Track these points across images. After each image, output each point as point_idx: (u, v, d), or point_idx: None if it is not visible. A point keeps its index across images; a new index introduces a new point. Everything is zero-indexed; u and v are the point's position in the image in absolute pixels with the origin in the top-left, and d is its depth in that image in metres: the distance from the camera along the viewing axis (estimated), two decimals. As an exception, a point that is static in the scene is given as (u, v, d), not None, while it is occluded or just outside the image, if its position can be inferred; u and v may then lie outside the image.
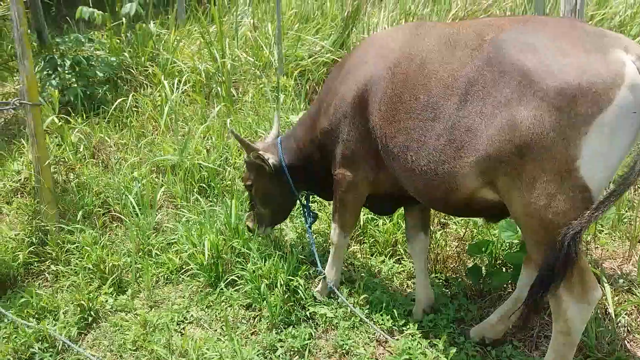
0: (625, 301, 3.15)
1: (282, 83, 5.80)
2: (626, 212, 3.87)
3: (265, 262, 3.43)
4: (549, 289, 2.23)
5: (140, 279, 3.73)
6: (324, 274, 3.37)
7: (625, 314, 3.08)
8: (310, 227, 3.56)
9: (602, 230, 3.77)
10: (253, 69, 6.36)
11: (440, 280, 3.60)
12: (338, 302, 3.32)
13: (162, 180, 4.72)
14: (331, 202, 4.04)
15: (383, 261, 3.79)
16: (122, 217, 4.27)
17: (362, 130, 2.84)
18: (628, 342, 2.98)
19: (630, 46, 2.04)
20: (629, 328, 3.04)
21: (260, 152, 3.35)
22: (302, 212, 3.72)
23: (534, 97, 2.06)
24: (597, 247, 3.63)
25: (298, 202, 3.64)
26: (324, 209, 4.32)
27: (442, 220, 4.16)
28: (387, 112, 2.63)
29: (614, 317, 3.01)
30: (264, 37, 6.78)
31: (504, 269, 3.43)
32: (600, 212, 2.08)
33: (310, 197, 3.71)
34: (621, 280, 3.30)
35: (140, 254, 3.91)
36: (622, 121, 1.98)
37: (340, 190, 3.11)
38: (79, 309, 3.39)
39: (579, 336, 2.37)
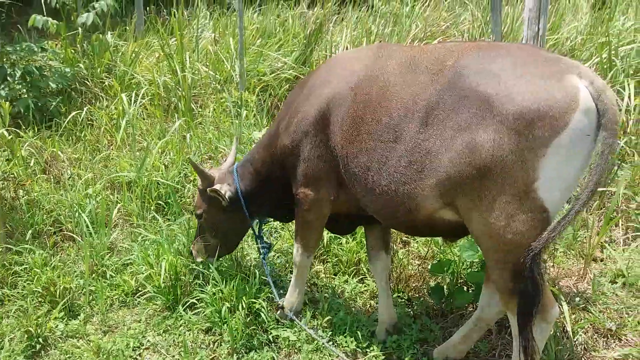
0: (582, 319, 3.22)
1: (244, 98, 5.75)
2: (580, 231, 3.98)
3: (226, 284, 3.33)
4: (533, 317, 2.29)
5: (94, 302, 3.57)
6: (281, 304, 3.29)
7: (582, 332, 3.14)
8: (264, 258, 3.45)
9: (558, 249, 3.86)
10: (214, 83, 6.28)
11: (403, 300, 3.60)
12: (301, 325, 3.26)
13: (118, 198, 4.55)
14: (287, 223, 4.05)
15: (346, 281, 3.75)
16: (75, 236, 4.09)
17: (323, 149, 2.85)
18: (586, 359, 3.04)
19: (583, 72, 2.15)
20: (585, 346, 3.10)
21: (216, 187, 3.22)
22: (255, 242, 3.60)
23: (493, 121, 2.13)
24: (553, 266, 3.71)
25: (251, 231, 3.54)
26: (287, 226, 4.26)
27: (404, 239, 4.17)
28: (349, 132, 2.66)
29: (571, 335, 3.07)
30: (226, 52, 6.72)
31: (465, 289, 3.45)
32: (557, 232, 2.16)
33: (263, 225, 3.60)
34: (577, 299, 3.38)
35: (93, 275, 3.75)
36: (577, 144, 2.08)
37: (303, 210, 3.07)
38: (26, 335, 3.20)
39: (540, 354, 2.43)
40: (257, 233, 3.49)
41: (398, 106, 2.46)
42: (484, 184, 2.18)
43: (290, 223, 4.22)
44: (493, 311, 2.79)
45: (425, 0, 8.50)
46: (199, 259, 3.51)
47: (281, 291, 3.46)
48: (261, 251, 3.46)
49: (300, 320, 3.27)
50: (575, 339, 3.09)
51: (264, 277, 3.41)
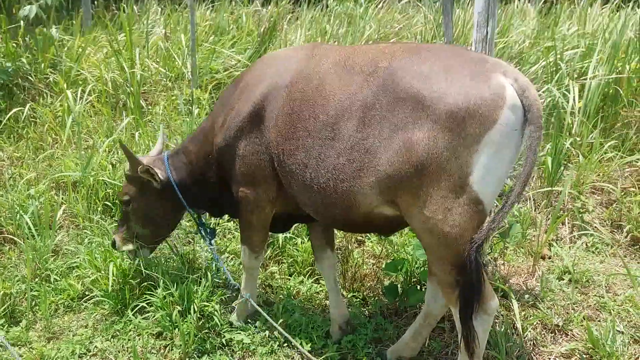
0: (531, 316, 3.31)
1: (195, 96, 5.62)
2: (529, 230, 4.09)
3: (177, 287, 3.24)
4: (474, 308, 2.37)
5: (37, 307, 3.40)
6: (237, 286, 3.20)
7: (532, 328, 3.23)
8: (211, 243, 3.36)
9: (508, 247, 3.95)
10: (164, 80, 6.12)
11: (358, 300, 3.60)
12: (255, 327, 3.21)
13: (63, 198, 4.36)
14: (223, 218, 4.03)
15: (302, 281, 3.72)
16: (16, 239, 3.88)
17: (258, 146, 2.83)
18: (535, 355, 3.12)
19: (508, 70, 2.27)
20: (534, 342, 3.19)
21: (148, 165, 3.13)
22: (198, 231, 3.52)
23: (427, 120, 2.23)
24: (504, 264, 3.80)
25: (193, 222, 3.44)
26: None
27: (359, 238, 4.18)
28: (284, 128, 2.67)
29: (521, 331, 3.15)
30: (177, 48, 6.56)
31: (419, 287, 3.48)
32: (496, 223, 2.27)
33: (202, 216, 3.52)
34: (527, 296, 3.47)
35: (36, 279, 3.57)
36: (506, 138, 2.21)
37: (243, 210, 3.03)
38: (-39, 344, 3.01)
39: (484, 345, 2.50)
40: (197, 221, 3.40)
41: (335, 105, 2.50)
42: (422, 181, 2.27)
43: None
44: (439, 305, 2.84)
45: (379, 2, 8.60)
46: (125, 248, 3.38)
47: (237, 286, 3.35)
48: (206, 237, 3.37)
49: (254, 324, 3.22)
50: (524, 335, 3.17)
51: (216, 280, 3.34)
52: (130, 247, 3.36)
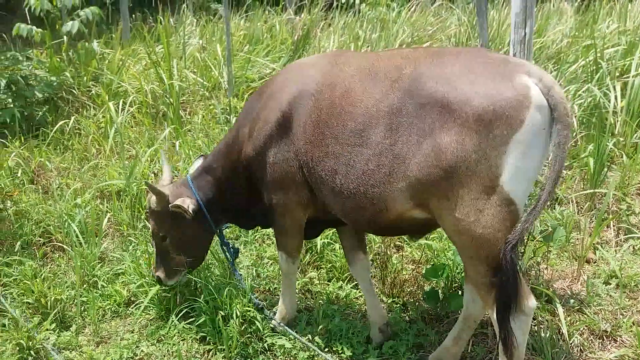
0: (577, 321, 3.24)
1: (232, 104, 5.72)
2: (573, 233, 4.00)
3: (220, 293, 3.30)
4: (511, 308, 2.35)
5: (85, 313, 3.51)
6: (261, 305, 3.24)
7: (578, 334, 3.15)
8: (233, 263, 3.37)
9: (551, 251, 3.88)
10: (202, 90, 6.25)
11: (398, 305, 3.59)
12: (297, 332, 3.24)
13: (108, 207, 4.50)
14: (252, 230, 4.06)
15: (340, 287, 3.73)
16: (65, 246, 4.02)
17: (287, 153, 2.86)
18: (581, 361, 3.05)
19: (532, 70, 2.29)
20: (581, 347, 3.11)
21: (177, 202, 3.09)
22: (221, 249, 3.50)
23: (454, 124, 2.25)
24: (547, 268, 3.73)
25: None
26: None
27: (397, 243, 4.17)
28: (312, 136, 2.71)
29: (567, 337, 3.08)
30: (213, 58, 6.69)
31: (460, 293, 3.45)
32: (529, 223, 2.27)
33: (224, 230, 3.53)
34: (572, 301, 3.40)
35: (84, 286, 3.69)
36: (535, 138, 2.23)
37: (277, 216, 3.06)
38: (17, 348, 3.13)
39: (524, 348, 2.46)
40: (222, 240, 3.39)
41: (362, 112, 2.53)
42: (452, 184, 2.29)
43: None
44: (478, 307, 2.81)
45: (411, 6, 8.57)
46: (171, 283, 3.34)
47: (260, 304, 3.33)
48: (229, 257, 3.37)
49: (296, 327, 3.25)
50: (571, 341, 3.10)
51: (254, 285, 3.38)
52: (176, 278, 3.33)
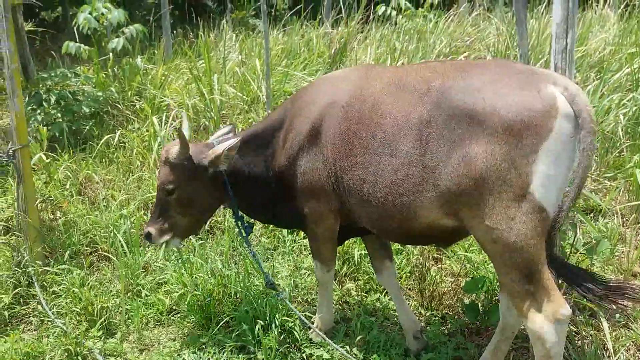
0: (623, 337, 3.14)
1: (271, 118, 5.81)
2: (618, 246, 3.89)
3: (259, 303, 3.35)
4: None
5: (130, 321, 3.62)
6: (272, 282, 3.21)
7: (624, 350, 3.06)
8: (247, 238, 3.32)
9: (595, 264, 3.77)
10: (241, 104, 6.37)
11: (437, 318, 3.56)
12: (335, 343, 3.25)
13: (151, 218, 4.63)
14: (299, 235, 4.14)
15: (378, 299, 3.74)
16: (110, 256, 4.17)
17: (317, 162, 2.94)
18: (628, 379, 2.96)
19: (557, 80, 2.35)
20: (628, 364, 3.02)
21: (218, 149, 3.06)
22: (235, 225, 3.46)
23: (483, 134, 2.31)
24: (591, 282, 3.63)
25: (231, 217, 3.40)
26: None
27: (435, 255, 4.14)
28: (342, 146, 2.79)
29: (612, 352, 2.99)
30: (252, 72, 6.82)
31: (500, 306, 3.40)
32: (554, 230, 2.39)
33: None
34: (617, 315, 3.30)
35: (129, 294, 3.81)
36: (563, 146, 2.29)
37: (310, 223, 3.12)
38: (66, 354, 3.26)
39: (561, 357, 2.44)
40: (235, 215, 3.34)
41: (391, 123, 2.59)
42: (482, 193, 2.34)
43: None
44: (514, 316, 2.79)
45: (449, 16, 8.53)
46: (161, 241, 3.22)
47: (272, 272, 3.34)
48: (244, 231, 3.32)
49: (334, 338, 3.26)
50: (616, 357, 3.01)
51: (293, 294, 3.42)
52: (166, 238, 3.22)
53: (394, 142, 2.57)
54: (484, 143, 2.30)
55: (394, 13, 8.44)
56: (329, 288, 3.36)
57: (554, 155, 2.27)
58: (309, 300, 3.78)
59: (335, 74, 3.45)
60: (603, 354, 3.03)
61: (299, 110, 3.05)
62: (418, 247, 4.11)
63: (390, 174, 2.58)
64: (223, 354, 3.28)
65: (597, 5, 8.19)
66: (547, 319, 2.37)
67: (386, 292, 3.79)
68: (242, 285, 3.56)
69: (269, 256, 4.24)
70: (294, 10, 9.42)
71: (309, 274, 4.00)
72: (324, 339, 2.90)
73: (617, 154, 4.90)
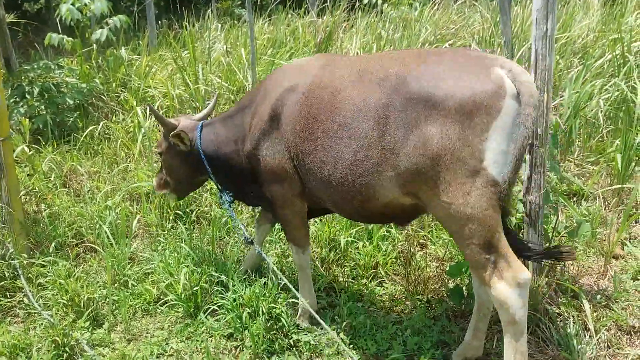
0: (604, 317, 3.20)
1: (256, 107, 5.79)
2: (600, 229, 3.95)
3: (246, 290, 3.37)
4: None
5: (117, 311, 3.62)
6: (250, 239, 3.47)
7: (605, 330, 3.12)
8: (230, 206, 3.56)
9: (577, 247, 3.84)
10: (227, 93, 6.36)
11: (422, 302, 3.60)
12: (321, 329, 3.28)
13: (137, 209, 4.63)
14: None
15: (365, 284, 3.77)
16: (97, 247, 4.16)
17: (279, 146, 3.08)
18: (609, 357, 3.02)
19: (504, 63, 2.49)
20: (608, 344, 3.08)
21: (181, 130, 3.45)
22: (218, 196, 3.86)
23: (438, 116, 2.44)
24: (573, 264, 3.69)
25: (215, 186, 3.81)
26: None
27: (421, 241, 4.18)
28: (302, 131, 2.91)
29: (594, 333, 3.05)
30: (237, 62, 6.80)
31: (485, 289, 3.44)
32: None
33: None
34: (598, 297, 3.36)
35: (116, 285, 3.81)
36: (513, 123, 2.42)
37: (277, 207, 3.27)
38: (53, 345, 3.25)
39: (525, 322, 2.52)
40: (218, 187, 3.63)
41: (350, 107, 2.71)
42: (439, 171, 2.46)
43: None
44: (486, 292, 2.84)
45: (434, 4, 8.54)
46: (159, 191, 3.89)
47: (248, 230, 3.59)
48: (226, 199, 3.55)
49: (320, 325, 3.30)
50: (598, 337, 3.07)
51: (280, 282, 3.44)
52: (163, 191, 3.85)
53: (353, 125, 2.69)
54: (439, 124, 2.43)
55: (379, 1, 8.43)
56: (308, 271, 3.43)
57: (504, 132, 2.40)
58: (296, 286, 3.79)
59: (298, 61, 3.66)
60: (584, 334, 3.09)
61: (262, 97, 3.20)
62: (404, 232, 4.15)
63: (350, 155, 2.70)
64: (211, 341, 3.30)
65: (580, -8, 8.24)
66: (508, 285, 2.47)
67: (373, 278, 3.83)
68: (229, 273, 3.57)
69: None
70: (280, -1, 9.37)
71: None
72: (315, 317, 2.95)
73: (600, 139, 4.97)
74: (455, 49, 3.63)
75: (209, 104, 3.82)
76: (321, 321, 2.89)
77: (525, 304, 2.51)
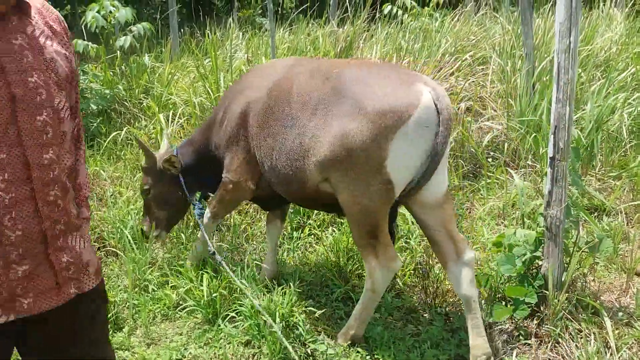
0: (625, 335, 3.16)
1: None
2: (622, 245, 3.91)
3: (263, 298, 3.39)
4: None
5: (137, 315, 3.67)
6: (213, 252, 3.56)
7: (627, 348, 3.08)
8: (199, 215, 3.96)
9: (598, 263, 3.80)
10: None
11: (440, 315, 3.59)
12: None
13: (158, 214, 4.68)
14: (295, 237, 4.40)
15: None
16: (118, 251, 4.22)
17: (244, 141, 3.44)
18: (630, 376, 2.97)
19: (428, 81, 2.84)
20: (630, 362, 3.04)
21: (173, 155, 3.78)
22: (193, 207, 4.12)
23: (359, 114, 2.76)
24: (594, 280, 3.65)
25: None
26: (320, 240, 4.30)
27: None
28: (261, 121, 3.27)
29: (615, 351, 3.01)
30: (258, 71, 6.85)
31: (504, 303, 3.43)
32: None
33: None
34: (620, 314, 3.32)
35: (136, 289, 3.86)
36: (418, 131, 2.72)
37: (224, 190, 3.62)
38: (74, 347, 3.30)
39: (382, 293, 3.14)
40: (192, 201, 4.00)
41: (297, 99, 3.06)
42: (350, 163, 2.79)
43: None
44: (465, 284, 3.06)
45: (455, 15, 8.54)
46: (154, 235, 4.00)
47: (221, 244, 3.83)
48: (197, 210, 4.01)
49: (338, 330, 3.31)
50: (619, 355, 3.03)
51: (298, 290, 3.46)
52: (156, 232, 3.99)
53: (295, 115, 3.03)
54: (358, 122, 2.74)
55: (400, 12, 8.46)
56: (209, 232, 3.82)
57: (408, 138, 2.70)
58: (313, 295, 3.82)
59: (268, 63, 4.09)
60: (606, 352, 3.05)
61: (234, 95, 3.57)
62: (422, 244, 4.14)
63: (290, 142, 3.04)
64: (229, 348, 3.33)
65: (603, 5, 8.19)
66: (379, 264, 2.97)
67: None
68: (247, 280, 3.60)
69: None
70: (301, 9, 9.45)
71: (314, 272, 4.05)
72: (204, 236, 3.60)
73: (622, 154, 4.92)
74: (390, 63, 4.21)
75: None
76: (227, 269, 3.32)
77: (387, 282, 3.08)
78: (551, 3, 7.56)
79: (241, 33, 8.51)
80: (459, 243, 3.03)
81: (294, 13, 9.10)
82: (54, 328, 1.75)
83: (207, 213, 3.77)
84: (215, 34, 7.83)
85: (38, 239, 1.59)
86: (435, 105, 2.71)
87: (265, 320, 3.27)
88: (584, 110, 5.19)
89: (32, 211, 1.56)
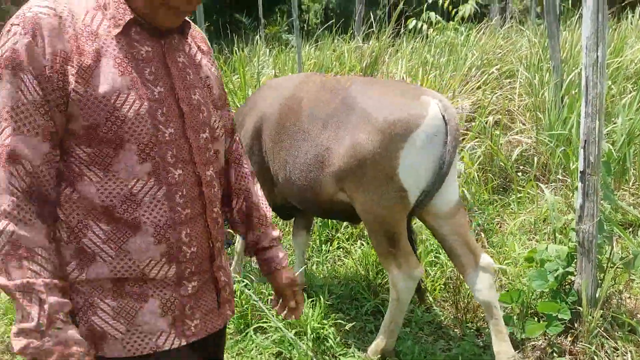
0: (663, 353, 3.09)
1: (304, 131, 5.91)
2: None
3: (295, 311, 3.41)
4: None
5: (169, 326, 3.72)
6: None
7: (665, 367, 3.01)
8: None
9: (634, 280, 3.73)
10: (275, 116, 6.50)
11: (471, 330, 3.57)
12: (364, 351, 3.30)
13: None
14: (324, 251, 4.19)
15: (412, 310, 3.76)
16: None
17: (258, 155, 3.54)
18: (669, 395, 2.91)
19: (435, 95, 2.93)
20: (669, 381, 2.97)
21: None
22: None
23: (368, 125, 2.84)
24: (630, 297, 3.59)
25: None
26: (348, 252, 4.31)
27: (469, 267, 4.14)
28: (274, 135, 3.37)
29: (653, 369, 2.95)
30: (285, 86, 6.95)
31: (536, 319, 3.39)
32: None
33: None
34: (657, 331, 3.25)
35: (168, 301, 3.92)
36: (427, 140, 2.80)
37: None
38: None
39: (407, 303, 3.13)
40: None
41: (309, 113, 3.15)
42: (363, 172, 2.86)
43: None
44: (483, 289, 3.02)
45: (480, 29, 8.55)
46: None
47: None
48: None
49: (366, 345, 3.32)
50: (656, 373, 2.97)
51: (328, 302, 3.47)
52: None
53: (307, 129, 3.12)
54: (368, 132, 2.82)
55: (425, 27, 8.51)
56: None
57: (418, 146, 2.77)
58: (343, 308, 3.83)
59: (280, 79, 4.20)
60: (642, 370, 2.99)
61: (249, 109, 3.66)
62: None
63: (303, 155, 3.12)
64: (260, 358, 3.36)
65: (632, 16, 8.10)
66: (402, 273, 2.99)
67: (420, 304, 3.82)
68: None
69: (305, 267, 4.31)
70: (326, 25, 9.58)
71: (343, 285, 4.06)
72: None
73: (656, 167, 4.84)
74: (398, 81, 4.45)
75: None
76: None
77: (411, 292, 3.08)
78: (578, 15, 7.52)
79: (268, 49, 8.65)
80: (475, 250, 3.02)
81: (319, 29, 9.22)
82: (212, 353, 1.74)
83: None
84: (243, 50, 7.98)
85: (206, 257, 1.61)
86: (443, 116, 2.80)
87: (296, 332, 3.29)
88: (615, 123, 5.13)
89: (202, 228, 1.58)
